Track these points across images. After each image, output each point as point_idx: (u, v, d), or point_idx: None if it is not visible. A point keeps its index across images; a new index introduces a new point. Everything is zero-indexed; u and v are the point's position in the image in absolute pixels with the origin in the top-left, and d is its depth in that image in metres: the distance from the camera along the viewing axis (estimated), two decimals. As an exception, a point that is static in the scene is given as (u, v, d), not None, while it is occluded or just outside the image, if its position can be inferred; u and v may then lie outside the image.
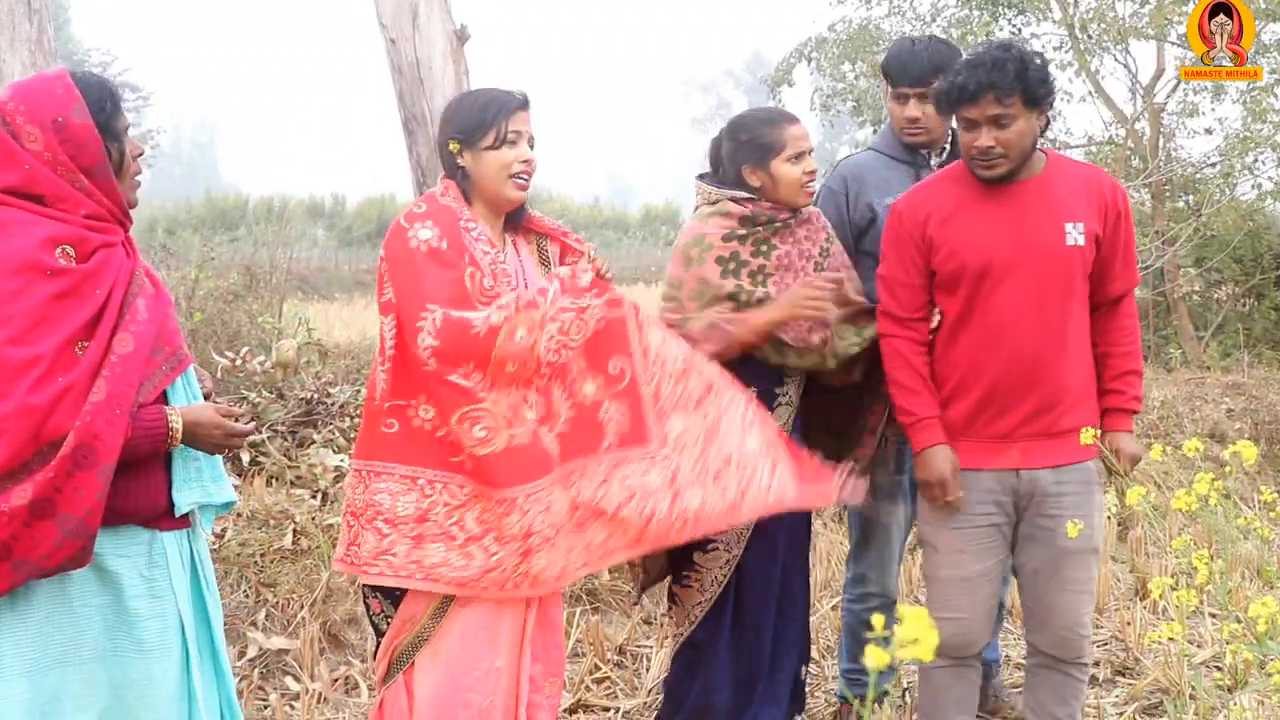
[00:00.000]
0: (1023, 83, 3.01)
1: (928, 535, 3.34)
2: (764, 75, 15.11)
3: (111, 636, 2.43)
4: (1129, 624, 4.78)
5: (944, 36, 12.56)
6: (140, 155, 2.55)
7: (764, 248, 3.36)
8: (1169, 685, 4.19)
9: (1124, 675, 4.48)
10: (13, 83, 2.43)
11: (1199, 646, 4.60)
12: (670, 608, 3.58)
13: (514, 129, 2.95)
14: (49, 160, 2.35)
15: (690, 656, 3.47)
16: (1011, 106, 3.02)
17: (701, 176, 3.52)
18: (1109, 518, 5.72)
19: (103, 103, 2.43)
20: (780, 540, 3.43)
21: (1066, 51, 12.36)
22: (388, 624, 2.94)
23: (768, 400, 3.32)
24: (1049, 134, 12.69)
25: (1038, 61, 3.08)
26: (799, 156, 3.34)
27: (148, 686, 2.46)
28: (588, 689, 4.29)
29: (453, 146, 2.96)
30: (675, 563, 3.46)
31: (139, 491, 2.43)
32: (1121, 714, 4.05)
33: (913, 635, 1.13)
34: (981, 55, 3.07)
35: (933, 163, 3.71)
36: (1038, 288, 3.12)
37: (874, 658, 1.12)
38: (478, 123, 2.95)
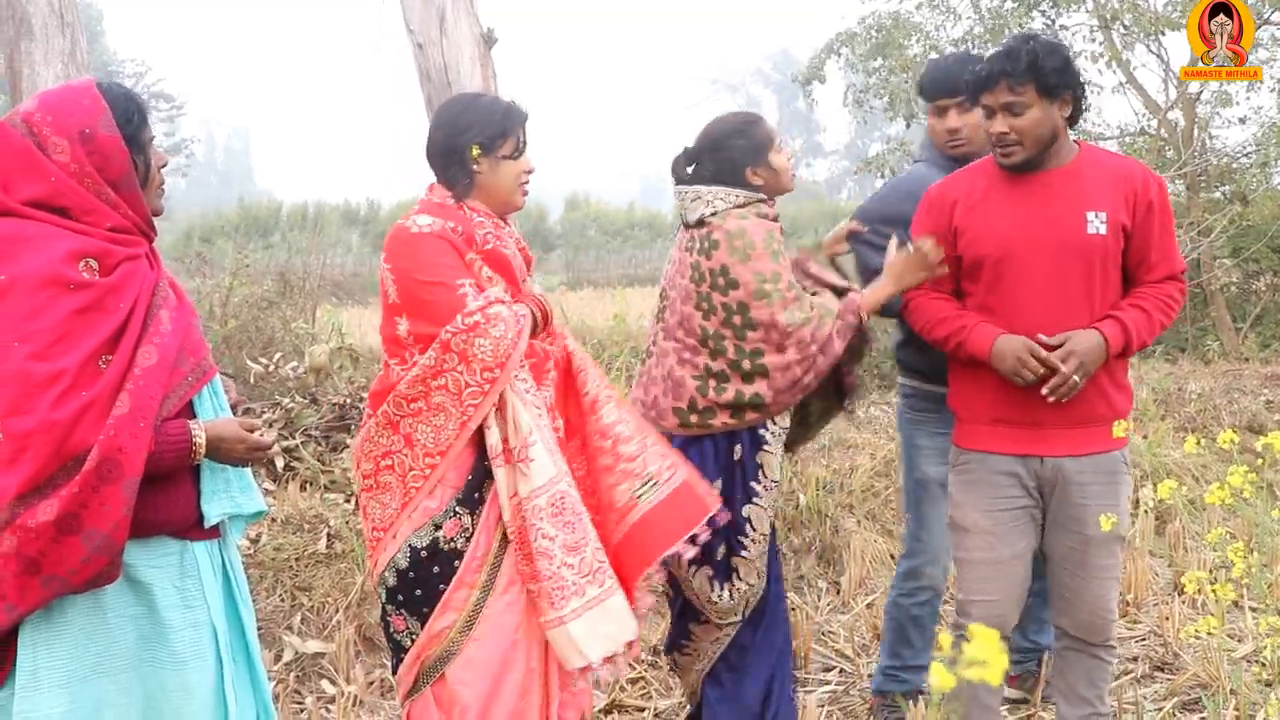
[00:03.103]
0: (1034, 71, 3.08)
1: (958, 519, 3.37)
2: (794, 73, 15.02)
3: (146, 647, 2.43)
4: (1167, 619, 4.74)
5: (979, 29, 12.58)
6: (165, 166, 2.54)
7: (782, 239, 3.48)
8: (1208, 680, 4.15)
9: (1163, 670, 4.44)
10: (39, 93, 2.42)
11: (1239, 641, 4.55)
12: (684, 649, 3.64)
13: (525, 139, 3.03)
14: (75, 172, 2.34)
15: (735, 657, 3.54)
16: (1024, 94, 3.10)
17: (698, 179, 3.50)
18: (1146, 512, 5.70)
19: (130, 114, 2.42)
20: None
21: (1099, 43, 12.24)
22: (411, 640, 2.95)
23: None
24: (1083, 125, 12.64)
25: (1057, 52, 3.12)
26: (780, 147, 3.49)
27: (183, 696, 2.46)
28: (622, 689, 4.29)
29: (474, 152, 2.97)
30: (673, 634, 3.61)
31: (169, 503, 2.44)
32: (1160, 709, 4.02)
33: (982, 656, 1.11)
34: (1003, 45, 3.16)
35: None
36: (1058, 276, 3.16)
37: (940, 678, 1.11)
38: (500, 131, 2.99)
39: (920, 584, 3.92)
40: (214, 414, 2.53)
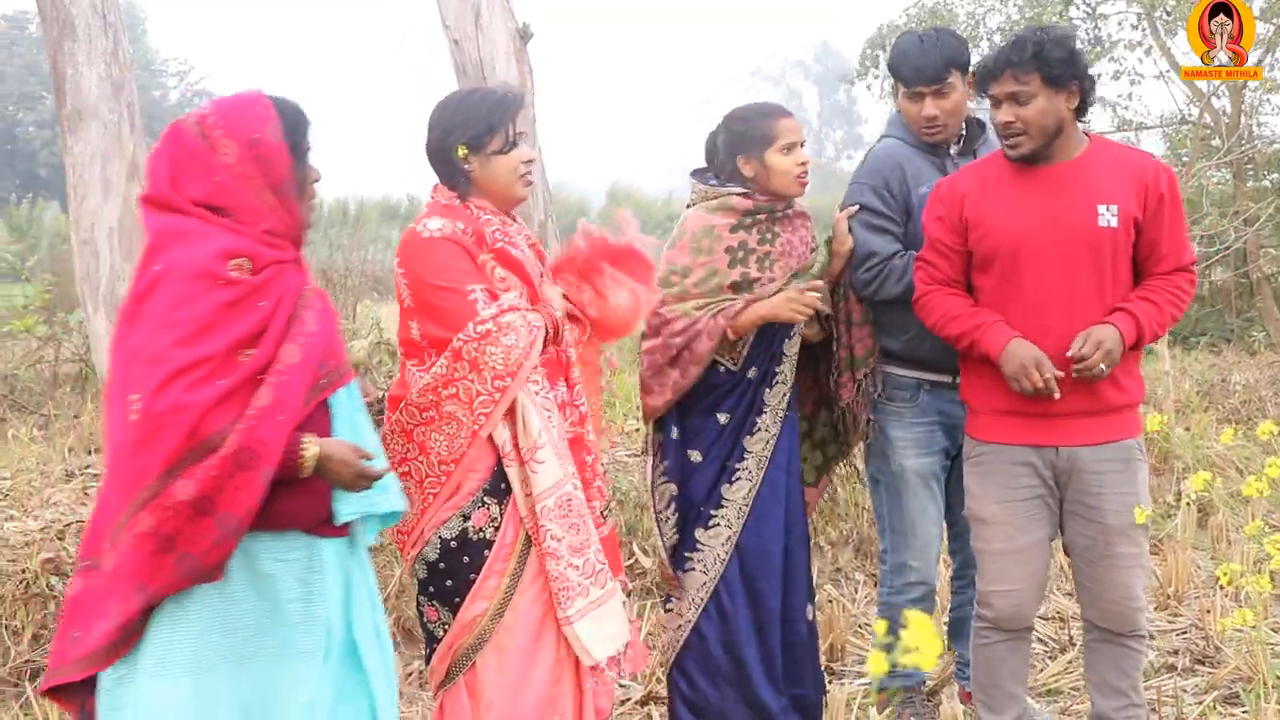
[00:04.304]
0: (1039, 61, 3.10)
1: (975, 510, 3.37)
2: (845, 72, 14.94)
3: (263, 639, 2.46)
4: (1208, 612, 4.69)
5: (1016, 17, 12.48)
6: (318, 180, 2.63)
7: (768, 234, 3.50)
8: (1250, 673, 4.11)
9: (1204, 663, 4.40)
10: (215, 99, 2.56)
11: (1281, 634, 4.51)
12: (668, 603, 3.65)
13: (519, 129, 3.01)
14: (240, 174, 2.45)
15: (700, 650, 3.53)
16: (1029, 84, 3.12)
17: (696, 173, 3.64)
18: (1188, 504, 5.65)
19: (296, 125, 2.54)
20: (780, 517, 3.54)
21: (1143, 31, 12.11)
22: (444, 631, 2.97)
23: (768, 380, 3.52)
24: (1125, 115, 12.51)
25: (1063, 42, 3.13)
26: (790, 148, 3.45)
27: (293, 689, 2.48)
28: (658, 680, 4.30)
29: (460, 153, 2.97)
30: (676, 546, 3.58)
31: (304, 498, 2.47)
32: (1200, 703, 3.99)
33: (915, 643, 1.12)
34: (1012, 36, 3.20)
35: (951, 150, 3.75)
36: (1069, 268, 3.17)
37: (874, 664, 1.12)
38: (485, 128, 2.97)
39: (909, 580, 3.84)
40: (349, 416, 2.57)
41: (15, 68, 33.89)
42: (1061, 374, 3.13)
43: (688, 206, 3.59)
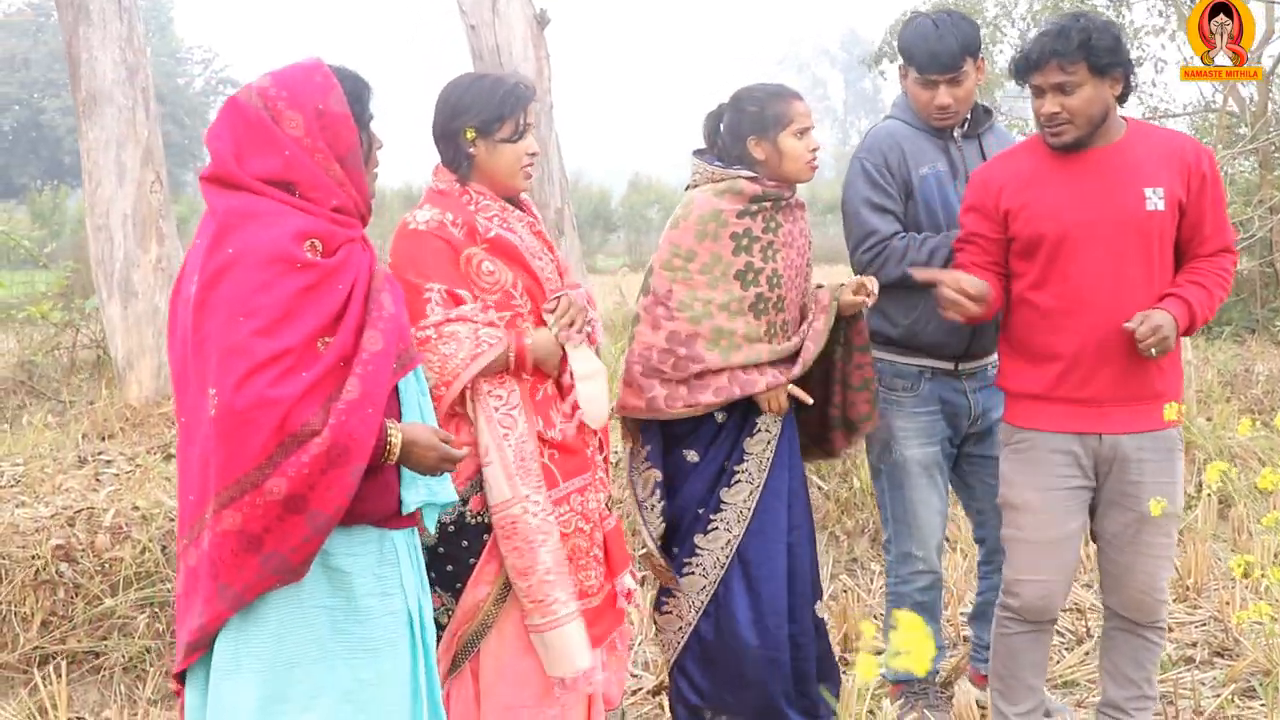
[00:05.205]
0: (1086, 50, 3.04)
1: (1010, 497, 3.33)
2: (863, 54, 14.81)
3: (340, 638, 2.40)
4: (1228, 604, 4.64)
5: (1039, 6, 12.36)
6: (381, 147, 2.56)
7: (772, 223, 3.41)
8: (1269, 666, 4.06)
9: (1222, 656, 4.34)
10: (271, 71, 2.44)
11: (1302, 627, 4.44)
12: (661, 610, 3.56)
13: (528, 120, 2.98)
14: (308, 147, 2.36)
15: (700, 651, 3.46)
16: (1075, 74, 3.06)
17: (699, 153, 3.52)
18: (1209, 496, 5.58)
19: (359, 92, 2.46)
20: (783, 518, 3.44)
21: (1166, 17, 11.97)
22: (448, 617, 2.95)
23: (748, 429, 3.41)
24: (1150, 103, 12.38)
25: (1107, 30, 3.09)
26: (803, 132, 3.37)
27: (378, 686, 2.43)
28: (669, 672, 4.27)
29: (469, 135, 2.94)
30: (673, 550, 3.49)
31: (374, 492, 2.40)
32: (1219, 695, 3.93)
33: (906, 646, 1.07)
34: (1051, 24, 3.12)
35: (955, 134, 3.70)
36: (1117, 254, 3.13)
37: (863, 669, 1.08)
38: (497, 114, 2.94)
39: (916, 569, 3.80)
40: (418, 401, 2.53)
41: (41, 55, 34.10)
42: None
43: (688, 187, 3.49)
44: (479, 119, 2.94)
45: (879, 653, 1.13)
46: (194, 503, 2.30)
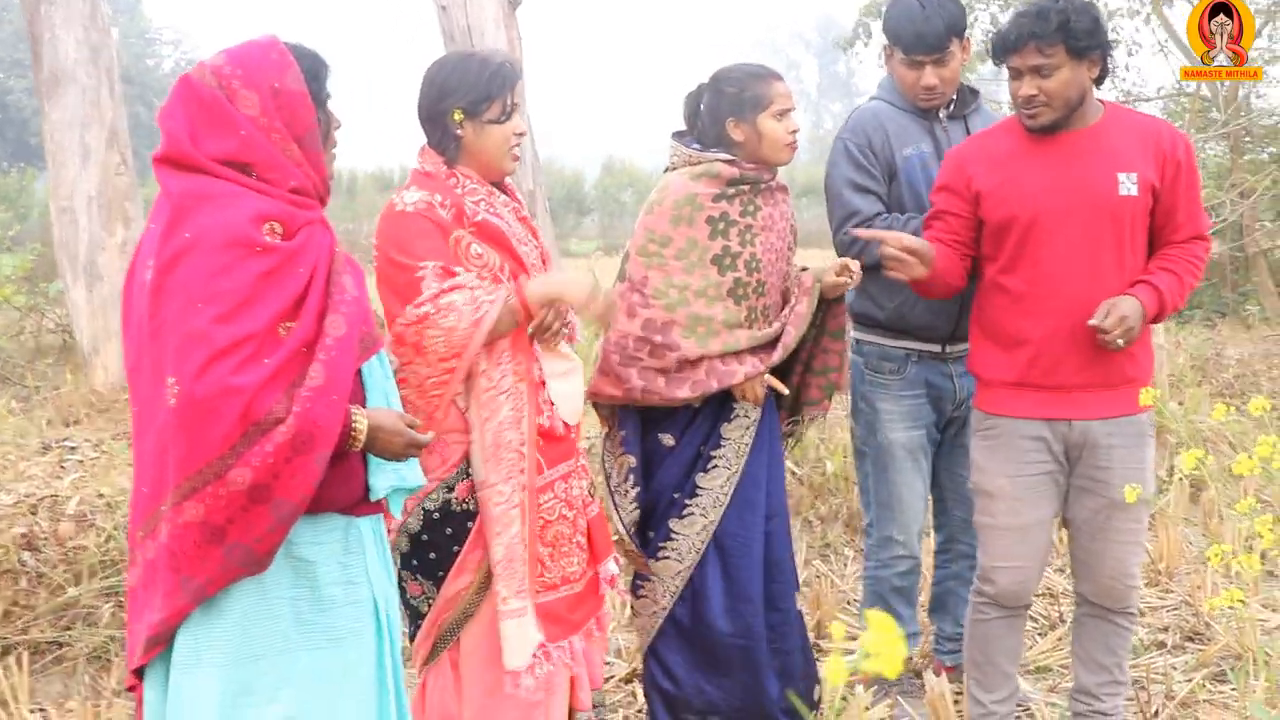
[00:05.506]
0: (1064, 32, 3.01)
1: (982, 483, 3.31)
2: (837, 37, 14.77)
3: (302, 629, 2.35)
4: (1199, 588, 4.65)
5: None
6: (340, 127, 2.49)
7: (750, 206, 3.35)
8: (1240, 651, 4.06)
9: (1194, 640, 4.35)
10: (226, 49, 2.36)
11: (1273, 610, 4.45)
12: (637, 594, 3.52)
13: (515, 100, 2.93)
14: (264, 126, 2.29)
15: (676, 637, 3.42)
16: (1054, 56, 3.03)
17: (678, 135, 3.46)
18: (1179, 480, 5.59)
19: (316, 70, 2.38)
20: (761, 504, 3.40)
21: (1145, 0, 11.98)
22: (428, 605, 2.92)
23: (725, 414, 3.36)
24: (1124, 86, 12.40)
25: (1087, 12, 3.05)
26: (783, 114, 3.32)
27: (344, 676, 2.39)
28: (642, 659, 4.24)
29: (455, 116, 2.89)
30: (649, 534, 3.44)
31: (340, 479, 2.34)
32: (1190, 680, 3.94)
33: (877, 648, 1.03)
34: (1029, 5, 3.08)
35: (941, 114, 3.68)
36: (1089, 238, 3.11)
37: (832, 673, 1.04)
38: (484, 94, 2.89)
39: (896, 553, 3.79)
40: (381, 384, 2.47)
41: (5, 33, 33.64)
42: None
43: (666, 170, 3.43)
44: (466, 100, 2.88)
45: (850, 653, 1.09)
46: (149, 494, 2.24)
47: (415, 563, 2.91)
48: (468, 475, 2.86)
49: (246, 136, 2.27)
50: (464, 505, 2.87)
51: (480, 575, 2.88)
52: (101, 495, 4.52)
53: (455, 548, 2.88)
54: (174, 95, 2.32)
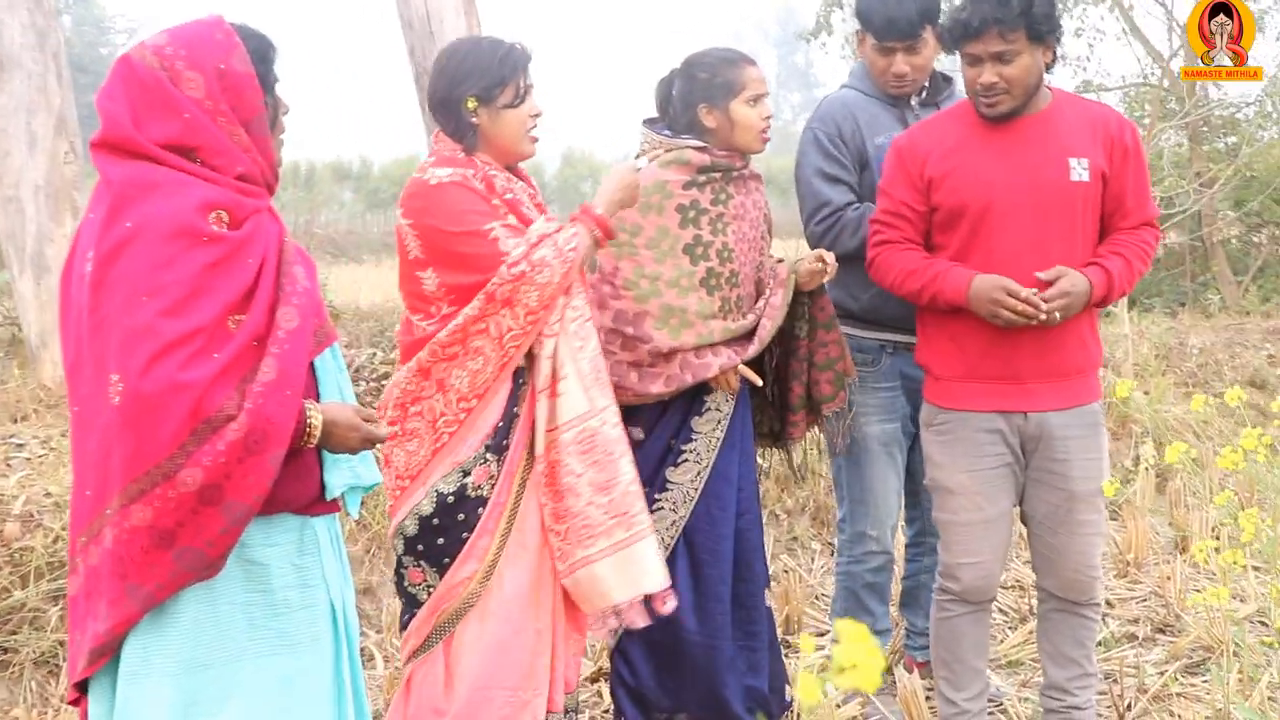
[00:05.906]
0: (1027, 17, 2.96)
1: (941, 479, 3.26)
2: (800, 30, 14.73)
3: (255, 635, 2.26)
4: (1169, 579, 4.62)
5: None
6: (288, 112, 2.38)
7: (722, 195, 3.28)
8: (1212, 643, 4.03)
9: (1164, 633, 4.33)
10: (167, 29, 2.25)
11: (1242, 601, 4.43)
12: None
13: (528, 83, 2.89)
14: (210, 110, 2.18)
15: (642, 634, 3.27)
16: (1015, 42, 2.97)
17: (649, 122, 3.39)
18: (1146, 470, 5.58)
19: (264, 52, 2.27)
20: (732, 501, 3.32)
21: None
22: (428, 594, 2.87)
23: (696, 408, 3.28)
24: (1085, 75, 12.42)
25: None
26: (757, 99, 3.25)
27: (300, 681, 2.30)
28: (609, 656, 4.17)
29: (470, 104, 2.84)
30: None
31: (294, 477, 2.24)
32: (1163, 673, 3.90)
33: (852, 660, 0.94)
34: None
35: (913, 102, 3.63)
36: (1040, 225, 3.06)
37: (806, 691, 0.95)
38: (497, 79, 2.85)
39: (869, 549, 3.75)
40: (335, 378, 2.37)
41: (-46, 23, 33.16)
42: (1036, 291, 2.99)
43: (636, 157, 3.35)
44: (479, 86, 2.83)
45: (821, 648, 1.01)
46: (92, 498, 2.14)
47: (421, 548, 2.86)
48: (485, 460, 2.83)
49: (191, 120, 2.17)
50: (478, 491, 2.84)
51: (485, 564, 2.85)
52: (49, 494, 4.37)
53: (465, 534, 2.84)
54: (113, 76, 2.21)
